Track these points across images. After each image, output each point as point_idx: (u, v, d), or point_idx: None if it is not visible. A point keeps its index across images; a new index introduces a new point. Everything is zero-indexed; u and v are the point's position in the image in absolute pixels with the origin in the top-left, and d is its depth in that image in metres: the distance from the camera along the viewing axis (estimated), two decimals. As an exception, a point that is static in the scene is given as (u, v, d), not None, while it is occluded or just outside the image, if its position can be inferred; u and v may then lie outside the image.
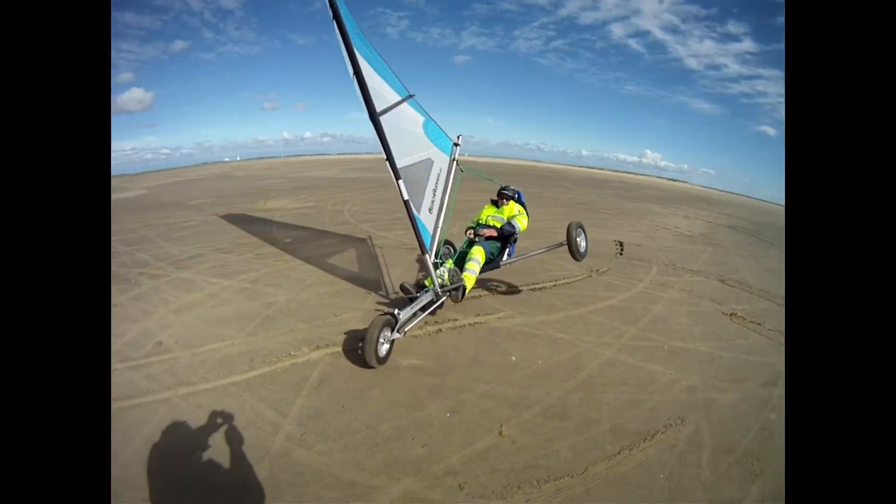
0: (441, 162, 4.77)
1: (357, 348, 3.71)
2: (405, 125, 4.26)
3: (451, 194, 4.71)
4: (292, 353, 3.74)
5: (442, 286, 4.19)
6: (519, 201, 5.23)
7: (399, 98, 4.26)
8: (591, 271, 6.03)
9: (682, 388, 3.29)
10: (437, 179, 4.63)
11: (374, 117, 3.53)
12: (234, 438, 2.77)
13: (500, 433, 2.79)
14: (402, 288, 4.55)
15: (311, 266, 6.27)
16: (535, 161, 55.06)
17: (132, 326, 4.34)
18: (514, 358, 3.72)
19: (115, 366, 3.58)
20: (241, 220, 9.91)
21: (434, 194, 4.56)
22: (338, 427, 2.80)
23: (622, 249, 7.27)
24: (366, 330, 3.43)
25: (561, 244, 4.87)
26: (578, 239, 4.92)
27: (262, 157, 47.76)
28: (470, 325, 4.37)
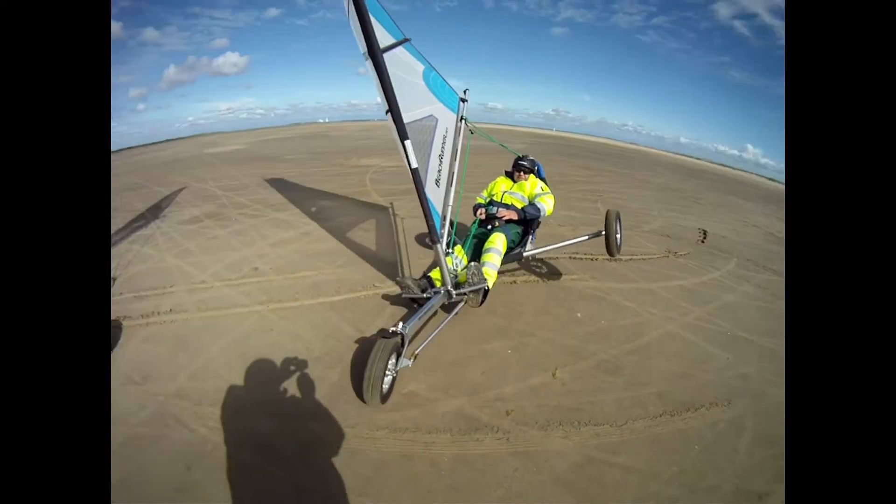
0: (446, 120, 3.92)
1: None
2: (403, 73, 3.50)
3: (461, 161, 3.90)
4: (376, 284, 4.28)
5: (457, 285, 3.47)
6: (539, 175, 4.49)
7: (394, 40, 3.49)
8: (669, 252, 5.90)
9: (735, 374, 3.28)
10: (444, 142, 3.86)
11: (374, 54, 2.81)
12: (314, 345, 3.31)
13: (554, 375, 3.05)
14: (401, 284, 3.54)
15: (402, 216, 6.86)
16: (631, 143, 52.29)
17: (232, 254, 5.12)
18: (579, 315, 3.91)
19: (214, 283, 4.31)
20: (337, 174, 10.76)
21: (441, 161, 3.78)
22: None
23: (704, 237, 6.95)
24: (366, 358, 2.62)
25: (599, 233, 4.15)
26: (617, 235, 4.23)
27: (357, 120, 48.82)
28: (543, 281, 4.61)
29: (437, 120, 3.72)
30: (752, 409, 2.93)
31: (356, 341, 3.35)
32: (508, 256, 3.93)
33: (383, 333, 2.83)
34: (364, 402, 2.58)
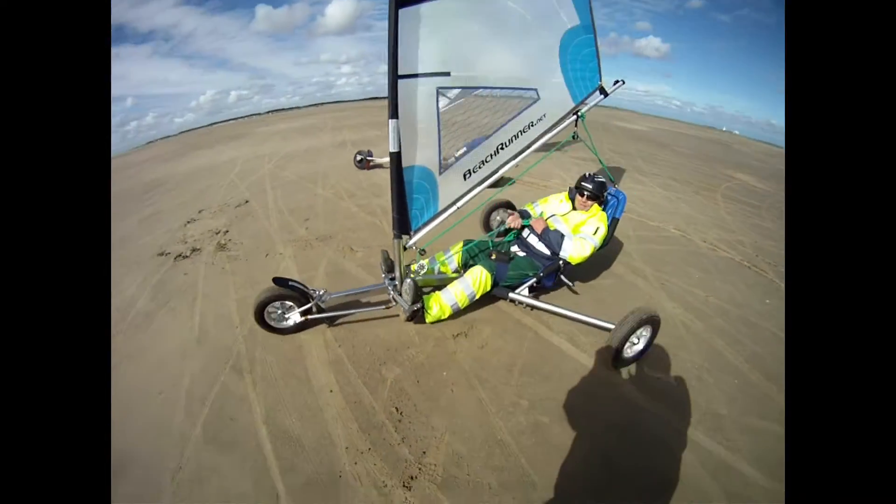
0: (553, 104, 2.87)
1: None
2: (528, 20, 2.54)
3: (524, 162, 2.96)
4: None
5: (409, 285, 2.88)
6: (605, 209, 3.41)
7: None
8: None
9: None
10: (523, 131, 2.84)
11: None
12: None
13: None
14: (384, 256, 3.16)
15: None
16: None
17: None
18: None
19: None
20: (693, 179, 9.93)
21: (501, 151, 2.81)
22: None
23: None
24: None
25: (605, 327, 2.97)
26: (634, 338, 2.86)
27: (767, 142, 40.86)
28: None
29: (536, 100, 2.78)
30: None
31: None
32: (499, 289, 3.26)
33: (274, 290, 2.99)
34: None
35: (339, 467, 2.22)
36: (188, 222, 6.60)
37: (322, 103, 40.85)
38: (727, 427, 2.53)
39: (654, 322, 2.83)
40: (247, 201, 7.22)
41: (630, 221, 5.74)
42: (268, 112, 43.75)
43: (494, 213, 4.39)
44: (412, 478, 2.16)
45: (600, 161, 3.82)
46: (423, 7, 2.10)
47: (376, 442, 2.36)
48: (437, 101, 2.35)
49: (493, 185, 2.94)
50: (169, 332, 3.53)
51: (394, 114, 2.27)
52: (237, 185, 8.48)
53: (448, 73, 2.31)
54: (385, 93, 2.24)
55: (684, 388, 2.81)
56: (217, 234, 5.82)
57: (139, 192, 10.44)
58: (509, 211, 3.68)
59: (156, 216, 7.48)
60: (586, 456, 2.28)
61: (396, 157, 2.39)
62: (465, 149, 2.63)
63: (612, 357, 2.77)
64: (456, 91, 2.41)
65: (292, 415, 2.56)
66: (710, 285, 4.27)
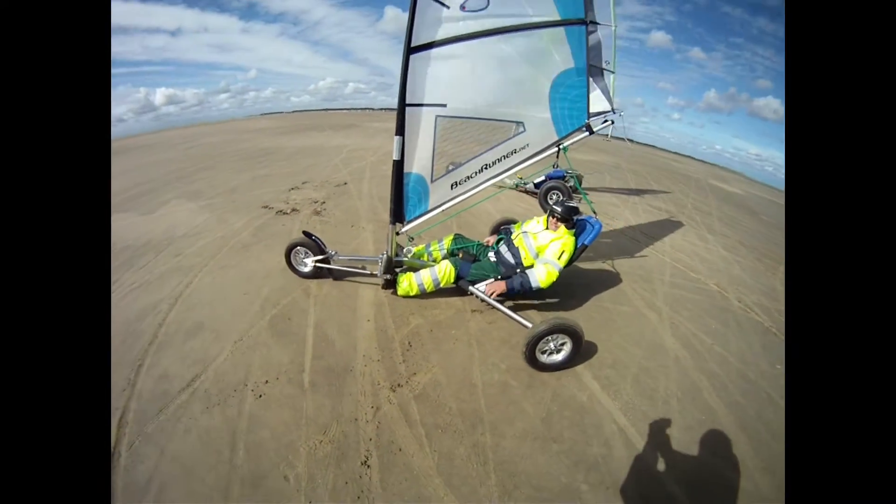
0: (537, 135, 3.42)
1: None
2: (524, 63, 3.09)
3: (497, 181, 3.59)
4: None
5: (391, 260, 3.83)
6: (577, 235, 3.83)
7: (556, 17, 2.98)
8: None
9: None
10: (507, 156, 3.46)
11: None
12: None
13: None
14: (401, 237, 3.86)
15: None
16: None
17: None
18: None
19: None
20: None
21: (483, 171, 3.50)
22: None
23: None
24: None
25: (524, 325, 3.39)
26: (553, 346, 3.29)
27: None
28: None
29: (523, 131, 3.37)
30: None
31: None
32: (462, 282, 3.84)
33: (301, 238, 4.22)
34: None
35: (353, 365, 3.16)
36: (292, 189, 8.06)
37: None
38: (673, 447, 2.86)
39: (571, 334, 3.20)
40: (346, 183, 8.60)
41: (671, 269, 6.03)
42: (381, 109, 47.40)
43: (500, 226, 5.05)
44: (399, 385, 3.01)
45: (581, 192, 5.07)
46: (431, 52, 2.91)
47: (385, 358, 3.27)
48: (436, 125, 3.20)
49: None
50: (262, 259, 4.81)
51: (400, 132, 3.14)
52: (340, 169, 9.96)
53: (445, 105, 3.13)
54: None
55: (645, 401, 3.20)
56: (315, 202, 7.18)
57: (255, 154, 12.47)
58: (489, 239, 4.32)
59: (266, 177, 9.13)
60: (531, 415, 2.90)
61: (398, 164, 3.27)
62: (454, 165, 3.43)
63: (527, 356, 3.22)
64: (451, 119, 3.20)
65: (334, 327, 3.59)
66: (722, 337, 4.46)
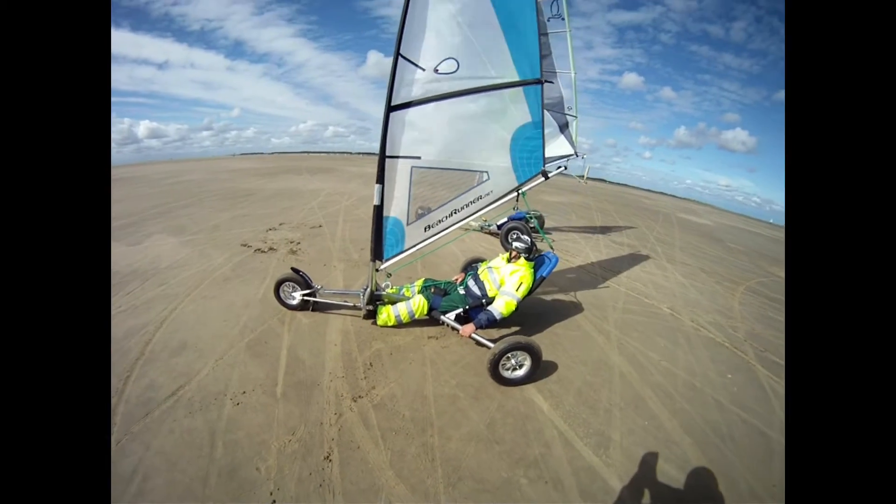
0: (500, 182, 3.99)
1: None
2: (488, 119, 3.62)
3: (464, 224, 4.13)
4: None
5: (372, 294, 4.40)
6: (536, 268, 4.46)
7: (515, 78, 3.49)
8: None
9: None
10: (474, 201, 4.03)
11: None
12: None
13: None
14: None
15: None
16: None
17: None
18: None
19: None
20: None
21: (453, 215, 4.06)
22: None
23: None
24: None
25: (487, 345, 3.99)
26: (514, 363, 3.86)
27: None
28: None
29: (486, 179, 3.91)
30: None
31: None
32: (435, 312, 4.42)
33: (289, 273, 4.77)
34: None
35: (320, 380, 3.64)
36: (269, 229, 8.62)
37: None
38: (612, 449, 3.25)
39: (530, 350, 3.76)
40: (320, 225, 9.22)
41: (625, 297, 6.63)
42: (359, 153, 49.41)
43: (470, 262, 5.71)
44: (360, 396, 3.49)
45: (540, 231, 5.97)
46: (408, 110, 3.47)
47: (348, 375, 3.75)
48: (411, 175, 3.78)
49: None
50: (240, 292, 5.31)
51: (380, 180, 3.66)
52: (316, 212, 10.58)
53: (419, 157, 3.74)
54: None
55: (587, 410, 3.67)
56: (291, 242, 7.75)
57: (235, 194, 13.06)
58: (458, 277, 4.94)
59: (245, 217, 9.72)
60: (476, 421, 3.37)
61: (378, 208, 3.79)
62: (426, 210, 4.00)
63: (490, 371, 3.75)
64: (424, 169, 3.78)
65: (305, 350, 4.07)
66: (671, 353, 4.95)
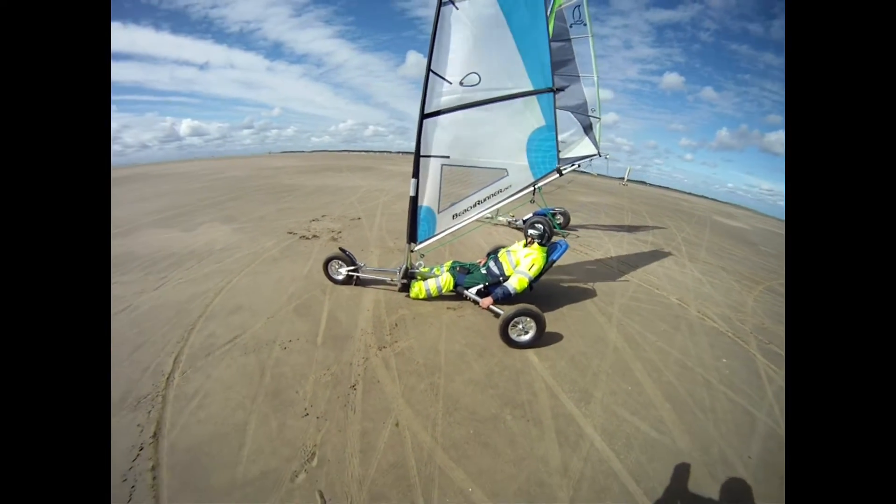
0: (518, 179, 4.68)
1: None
2: (506, 124, 4.27)
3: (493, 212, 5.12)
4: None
5: (406, 271, 5.35)
6: (548, 253, 5.22)
7: (530, 87, 4.10)
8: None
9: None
10: (495, 194, 4.76)
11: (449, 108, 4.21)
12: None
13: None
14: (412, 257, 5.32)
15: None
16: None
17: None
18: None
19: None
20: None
21: (477, 206, 4.83)
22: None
23: None
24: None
25: (498, 313, 4.70)
26: (521, 327, 4.55)
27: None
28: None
29: (505, 174, 4.60)
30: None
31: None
32: (459, 288, 5.30)
33: (338, 252, 5.68)
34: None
35: (353, 334, 4.51)
36: (313, 220, 9.64)
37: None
38: (593, 404, 3.81)
39: (535, 317, 4.43)
40: (359, 218, 10.19)
41: (636, 287, 7.11)
42: (398, 152, 51.10)
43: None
44: (384, 347, 4.31)
45: (556, 225, 6.18)
46: (438, 118, 4.31)
47: (376, 332, 4.60)
48: (441, 171, 4.62)
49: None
50: (288, 270, 6.29)
51: (415, 175, 4.58)
52: (355, 206, 11.59)
53: (448, 157, 4.55)
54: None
55: (576, 372, 4.26)
56: (332, 231, 8.73)
57: (277, 190, 14.36)
58: (481, 260, 5.76)
59: (289, 210, 10.85)
60: (478, 371, 4.08)
61: (414, 199, 4.72)
62: (454, 201, 4.84)
63: (501, 332, 4.48)
64: (453, 167, 4.61)
65: (342, 313, 4.98)
66: (669, 337, 5.32)
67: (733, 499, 2.97)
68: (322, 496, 2.64)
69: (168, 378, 3.64)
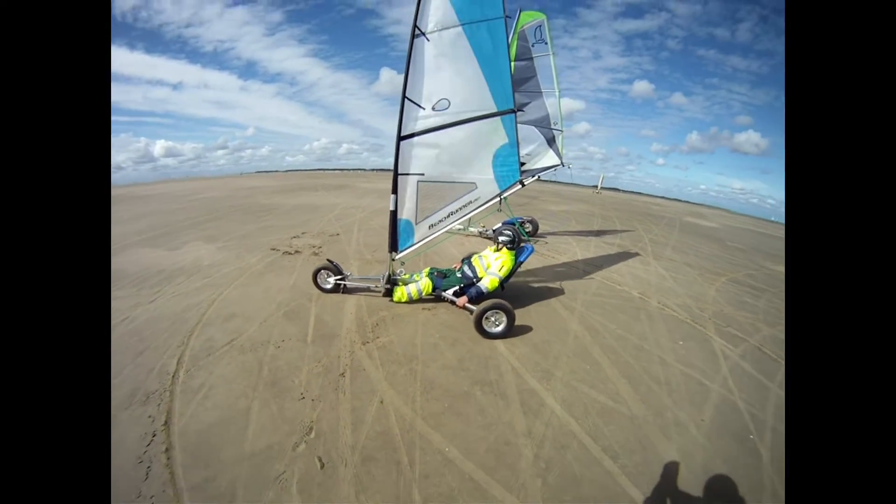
0: (486, 191, 5.32)
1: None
2: (474, 141, 4.85)
3: (465, 223, 5.73)
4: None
5: (388, 277, 5.97)
6: (517, 254, 5.84)
7: (494, 109, 4.68)
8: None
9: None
10: (466, 205, 5.39)
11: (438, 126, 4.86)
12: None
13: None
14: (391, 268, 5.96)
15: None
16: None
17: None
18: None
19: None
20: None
21: (450, 216, 5.46)
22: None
23: None
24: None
25: (471, 309, 5.38)
26: (494, 320, 5.15)
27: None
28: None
29: (474, 188, 5.26)
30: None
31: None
32: (437, 290, 5.89)
33: (326, 263, 6.28)
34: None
35: (339, 333, 5.05)
36: (293, 237, 10.14)
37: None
38: (554, 381, 4.40)
39: (505, 310, 5.08)
40: (338, 234, 10.73)
41: (598, 285, 7.79)
42: (372, 170, 51.79)
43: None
44: (367, 342, 4.87)
45: (522, 232, 6.62)
46: (413, 139, 4.96)
47: (359, 330, 5.16)
48: (417, 187, 5.28)
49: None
50: (273, 282, 6.79)
51: (394, 191, 5.24)
52: (333, 223, 12.11)
53: (423, 174, 5.20)
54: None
55: (538, 356, 4.86)
56: (313, 247, 9.23)
57: (255, 209, 14.80)
58: (456, 264, 6.45)
59: (270, 227, 11.36)
60: (450, 358, 4.66)
61: (394, 213, 5.37)
62: (430, 213, 5.49)
63: (475, 325, 5.08)
64: (428, 183, 5.27)
65: (328, 316, 5.52)
66: (628, 325, 5.94)
67: (688, 453, 3.52)
68: (321, 460, 3.15)
69: (174, 376, 4.10)
